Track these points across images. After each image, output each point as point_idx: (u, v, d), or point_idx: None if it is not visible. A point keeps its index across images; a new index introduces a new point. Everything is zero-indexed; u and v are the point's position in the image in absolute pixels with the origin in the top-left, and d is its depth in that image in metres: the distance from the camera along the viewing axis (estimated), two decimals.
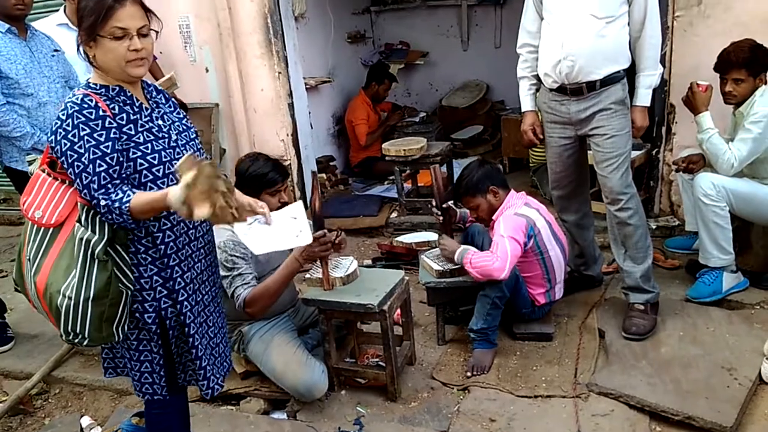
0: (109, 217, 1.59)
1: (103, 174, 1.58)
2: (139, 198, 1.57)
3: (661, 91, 3.30)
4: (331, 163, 5.24)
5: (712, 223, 2.74)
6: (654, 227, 3.50)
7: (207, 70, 4.31)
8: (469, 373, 2.52)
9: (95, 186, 1.58)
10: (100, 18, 1.57)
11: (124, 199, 1.56)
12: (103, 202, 1.58)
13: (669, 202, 3.60)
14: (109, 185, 1.59)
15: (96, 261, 1.61)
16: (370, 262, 3.68)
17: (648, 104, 2.67)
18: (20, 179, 2.79)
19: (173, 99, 1.90)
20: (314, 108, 5.01)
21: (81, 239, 1.61)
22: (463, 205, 2.85)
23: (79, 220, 1.63)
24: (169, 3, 4.13)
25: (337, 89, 5.71)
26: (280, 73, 4.18)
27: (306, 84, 4.64)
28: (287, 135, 4.32)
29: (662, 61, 3.13)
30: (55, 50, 2.99)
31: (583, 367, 2.50)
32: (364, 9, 6.36)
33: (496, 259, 2.46)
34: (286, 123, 4.29)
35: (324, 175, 4.96)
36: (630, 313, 2.67)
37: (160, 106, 1.80)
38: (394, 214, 4.28)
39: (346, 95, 5.79)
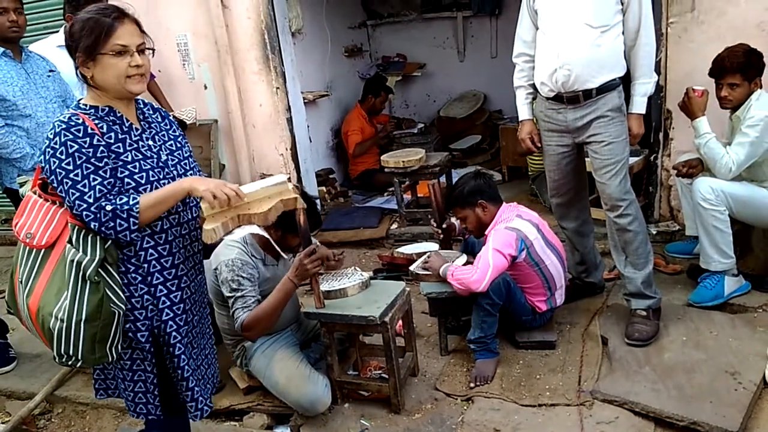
0: (111, 224, 1.59)
1: (98, 187, 1.60)
2: (149, 194, 1.62)
3: (657, 97, 3.31)
4: (331, 176, 5.26)
5: (712, 227, 2.74)
6: (654, 232, 3.50)
7: (205, 87, 4.34)
8: (472, 384, 2.52)
9: (92, 198, 1.59)
10: (101, 36, 1.60)
11: (131, 201, 1.60)
12: (109, 207, 1.59)
13: (669, 207, 3.60)
14: (109, 194, 1.61)
15: (87, 283, 1.61)
16: (371, 273, 3.68)
17: (643, 112, 2.68)
18: (20, 200, 2.80)
19: (170, 116, 1.91)
20: (313, 122, 5.03)
21: (72, 261, 1.61)
22: (453, 214, 2.86)
23: (70, 241, 1.63)
24: (167, 21, 4.18)
25: (335, 103, 5.74)
26: (278, 88, 4.21)
27: (304, 98, 4.67)
28: (286, 149, 4.34)
29: (657, 68, 3.16)
30: (51, 71, 3.01)
31: (586, 374, 2.49)
32: (360, 23, 6.41)
33: (476, 271, 2.47)
34: (285, 137, 4.32)
35: (324, 188, 4.97)
36: (632, 320, 2.67)
37: (153, 126, 1.81)
38: (394, 226, 4.28)
39: (344, 109, 5.82)
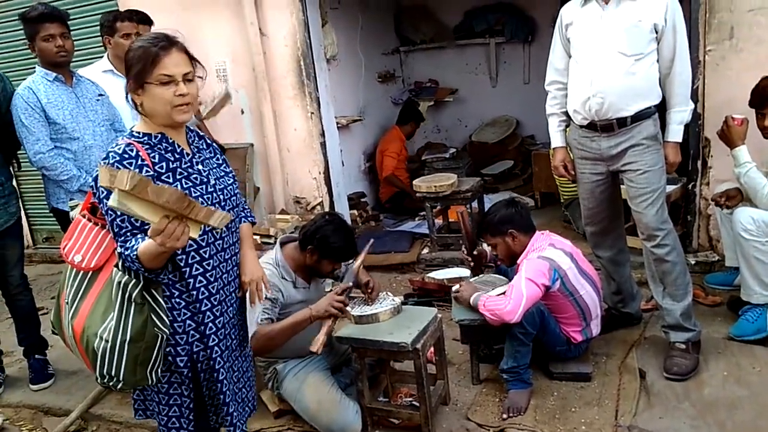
0: (127, 263, 1.62)
1: (126, 224, 1.63)
2: (143, 245, 1.59)
3: (695, 125, 3.27)
4: (362, 200, 5.30)
5: (754, 258, 2.68)
6: (693, 263, 3.42)
7: (242, 112, 4.46)
8: (505, 415, 2.47)
9: (119, 234, 1.63)
10: (147, 65, 1.64)
11: (135, 247, 1.59)
12: (119, 250, 1.63)
13: (707, 236, 3.53)
14: (128, 234, 1.63)
15: (133, 304, 1.64)
16: (401, 298, 3.66)
17: (680, 140, 2.64)
18: (66, 220, 2.88)
19: (214, 144, 1.95)
20: (345, 146, 5.10)
21: (119, 283, 1.64)
22: (484, 240, 2.85)
23: (116, 265, 1.67)
24: (207, 48, 4.30)
25: (367, 127, 5.81)
26: (312, 113, 4.29)
27: (337, 123, 4.74)
28: (319, 173, 4.40)
29: (695, 95, 3.13)
30: (100, 95, 3.11)
31: (623, 408, 2.43)
32: (393, 49, 6.50)
33: (509, 302, 2.43)
34: (319, 161, 4.38)
35: (355, 212, 5.01)
36: (671, 353, 2.60)
37: (201, 151, 1.85)
38: (425, 250, 4.28)
39: (376, 133, 5.90)
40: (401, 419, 2.52)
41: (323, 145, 4.37)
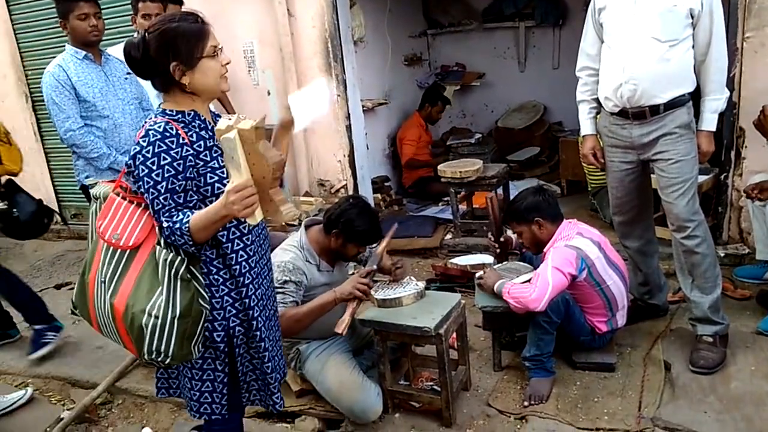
0: (172, 238, 1.64)
1: (170, 201, 1.64)
2: (197, 215, 1.62)
3: (729, 114, 3.19)
4: (386, 184, 5.28)
5: None
6: (723, 255, 3.36)
7: (269, 93, 4.45)
8: (526, 402, 2.47)
9: (163, 210, 1.64)
10: (201, 40, 1.67)
11: (184, 220, 1.62)
12: (165, 224, 1.63)
13: (738, 228, 3.45)
14: (173, 209, 1.65)
15: (180, 281, 1.66)
16: (424, 283, 3.66)
17: (714, 129, 2.57)
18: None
19: None
20: (370, 129, 5.08)
21: (165, 260, 1.65)
22: (510, 228, 2.82)
23: (159, 243, 1.68)
24: (234, 29, 4.31)
25: (393, 111, 5.78)
26: (338, 95, 4.27)
27: (363, 106, 4.71)
28: (344, 156, 4.39)
29: (731, 84, 3.04)
30: (128, 73, 3.13)
31: (647, 400, 2.40)
32: (420, 32, 6.44)
33: (534, 290, 2.41)
34: (344, 144, 4.37)
35: (379, 195, 5.00)
36: (698, 346, 2.56)
37: None
38: (448, 236, 4.26)
39: (401, 117, 5.86)
40: (422, 403, 2.53)
41: (348, 128, 4.35)
